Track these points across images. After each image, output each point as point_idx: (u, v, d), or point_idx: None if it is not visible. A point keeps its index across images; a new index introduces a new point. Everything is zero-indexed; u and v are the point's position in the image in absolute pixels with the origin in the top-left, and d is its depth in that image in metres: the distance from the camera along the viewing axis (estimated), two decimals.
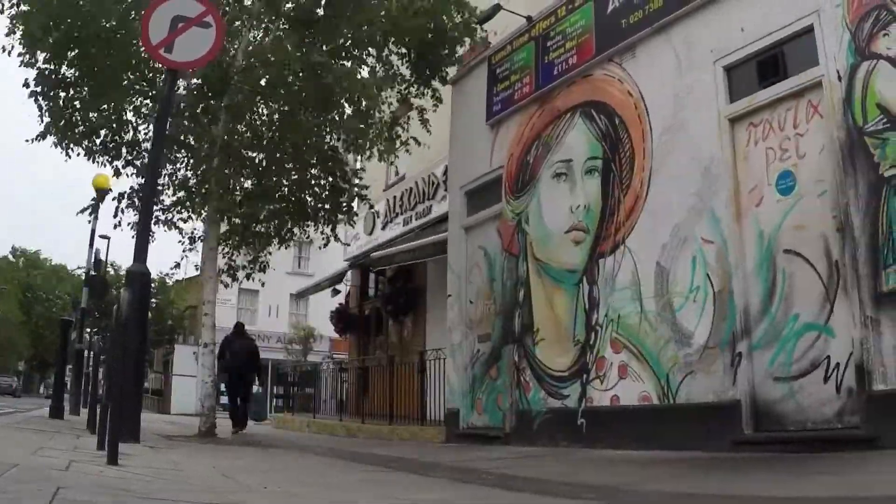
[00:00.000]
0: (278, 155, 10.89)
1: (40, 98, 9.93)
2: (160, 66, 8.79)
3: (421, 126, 10.93)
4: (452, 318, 9.94)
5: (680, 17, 7.04)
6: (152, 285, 24.41)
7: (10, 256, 56.89)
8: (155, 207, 10.22)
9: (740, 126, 6.32)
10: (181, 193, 11.01)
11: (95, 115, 10.17)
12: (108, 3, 9.31)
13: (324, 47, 9.92)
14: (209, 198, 10.22)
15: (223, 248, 11.32)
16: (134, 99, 10.43)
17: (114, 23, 9.41)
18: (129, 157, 10.79)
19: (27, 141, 10.31)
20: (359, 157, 12.27)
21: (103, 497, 3.05)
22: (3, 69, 9.87)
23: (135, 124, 10.68)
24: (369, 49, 10.45)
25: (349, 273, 18.73)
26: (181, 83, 9.98)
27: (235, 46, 10.15)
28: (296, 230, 11.74)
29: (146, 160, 10.57)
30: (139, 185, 10.86)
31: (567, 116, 8.38)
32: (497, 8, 10.00)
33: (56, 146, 10.24)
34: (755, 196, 6.10)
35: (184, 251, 11.62)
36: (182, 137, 10.63)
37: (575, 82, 8.36)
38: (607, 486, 4.46)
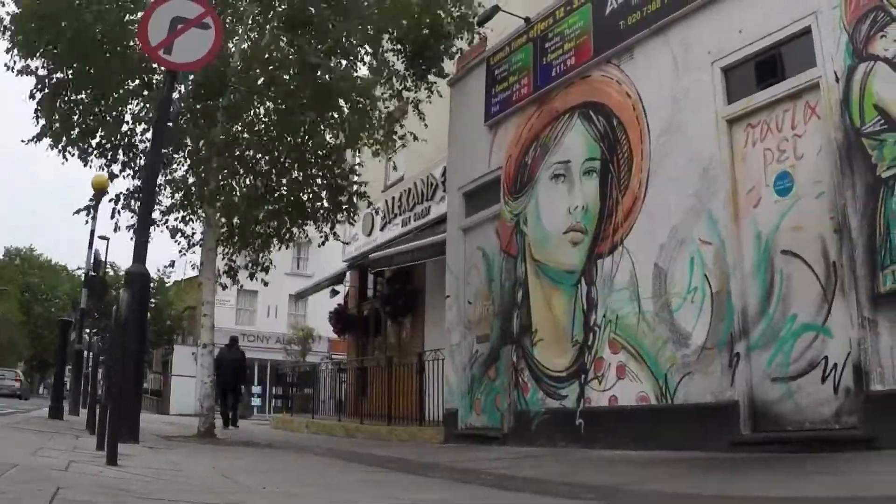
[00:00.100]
0: (277, 154, 10.90)
1: (37, 98, 9.93)
2: (159, 67, 8.80)
3: (418, 119, 10.92)
4: (451, 318, 9.95)
5: (678, 18, 7.05)
6: (151, 286, 24.37)
7: (5, 258, 56.71)
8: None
9: (738, 127, 6.33)
10: (179, 195, 11.01)
11: (92, 117, 10.17)
12: (106, 3, 9.32)
13: (319, 46, 9.93)
14: (208, 198, 10.21)
15: (223, 249, 11.32)
16: (132, 101, 10.42)
17: (110, 26, 9.41)
18: (126, 160, 10.77)
19: (23, 142, 10.32)
20: (357, 154, 12.26)
21: (103, 497, 3.06)
22: (3, 69, 9.86)
23: (132, 126, 10.68)
24: (365, 46, 10.45)
25: (348, 274, 18.75)
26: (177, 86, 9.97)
27: (232, 47, 10.15)
28: (295, 230, 11.74)
29: (143, 162, 10.58)
30: (136, 186, 10.86)
31: (565, 117, 8.40)
32: (495, 9, 10.01)
33: (52, 148, 10.23)
34: (753, 197, 6.11)
35: (181, 251, 11.61)
36: (180, 138, 10.64)
37: (573, 83, 8.38)
38: (607, 486, 4.47)
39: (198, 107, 10.35)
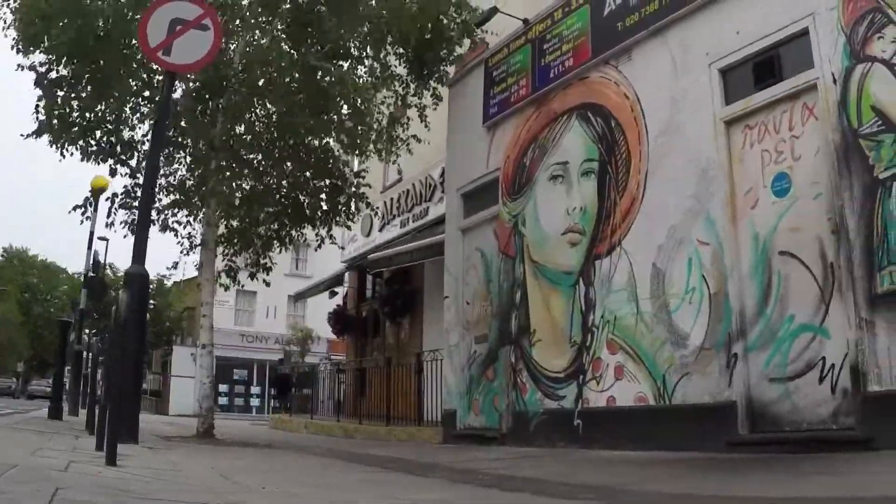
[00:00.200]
0: (277, 154, 10.90)
1: (39, 94, 9.95)
2: (158, 68, 8.81)
3: (420, 123, 10.93)
4: (449, 319, 9.96)
5: (676, 19, 7.06)
6: (151, 287, 24.37)
7: (4, 258, 56.68)
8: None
9: (736, 128, 6.35)
10: (177, 196, 11.01)
11: (92, 115, 10.17)
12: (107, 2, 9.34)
13: (321, 48, 9.94)
14: (207, 199, 10.22)
15: (223, 250, 11.33)
16: (131, 100, 10.42)
17: (111, 25, 9.42)
18: (124, 157, 10.76)
19: (22, 136, 10.29)
20: (358, 159, 12.27)
21: (102, 497, 3.06)
22: (3, 69, 9.83)
23: (131, 124, 10.68)
24: (367, 49, 10.46)
25: (346, 275, 18.76)
26: (179, 85, 9.99)
27: (232, 48, 10.16)
28: (293, 232, 11.75)
29: (142, 160, 10.59)
30: (132, 185, 10.87)
31: (563, 119, 8.41)
32: (494, 11, 10.03)
33: (52, 145, 10.23)
34: (751, 198, 6.12)
35: (181, 252, 11.62)
36: (180, 139, 10.64)
37: (571, 85, 8.39)
38: (606, 487, 4.47)
39: (198, 107, 10.35)
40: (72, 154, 10.41)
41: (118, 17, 9.36)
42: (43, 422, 10.07)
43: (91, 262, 16.86)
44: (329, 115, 10.44)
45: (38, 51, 9.63)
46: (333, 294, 19.62)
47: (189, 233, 11.43)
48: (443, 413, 9.96)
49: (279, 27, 10.04)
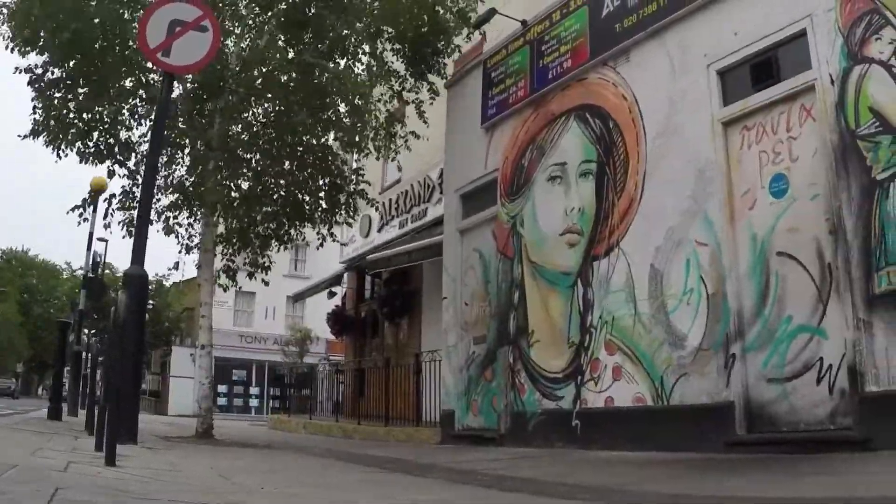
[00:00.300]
0: (275, 153, 10.91)
1: (34, 96, 9.94)
2: (156, 68, 8.82)
3: (418, 119, 10.93)
4: (448, 320, 9.97)
5: (674, 21, 7.08)
6: (150, 287, 24.37)
7: (3, 258, 56.60)
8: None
9: (734, 129, 6.36)
10: (175, 196, 11.01)
11: (89, 116, 10.16)
12: (106, 3, 9.34)
13: (318, 46, 9.93)
14: (206, 199, 10.22)
15: (222, 250, 11.33)
16: (129, 101, 10.42)
17: (108, 26, 9.42)
18: (122, 158, 10.75)
19: (19, 136, 10.28)
20: (357, 156, 12.27)
21: (102, 498, 3.08)
22: (3, 68, 9.85)
23: (129, 125, 10.67)
24: (363, 46, 10.46)
25: (345, 275, 18.77)
26: (177, 85, 9.99)
27: (230, 48, 10.16)
28: (293, 232, 11.76)
29: (140, 161, 10.58)
30: (130, 186, 10.87)
31: (562, 120, 8.42)
32: (492, 12, 10.04)
33: (48, 146, 10.22)
34: (748, 199, 6.14)
35: (180, 252, 11.62)
36: (178, 139, 10.64)
37: (569, 86, 8.41)
38: (605, 487, 4.48)
39: (195, 108, 10.35)
40: (67, 155, 10.40)
41: (115, 18, 9.36)
42: (42, 422, 10.08)
43: (90, 262, 16.86)
44: (327, 112, 10.44)
45: (34, 52, 9.62)
46: (332, 295, 19.62)
47: (190, 234, 11.43)
48: (441, 413, 9.97)
49: (273, 24, 10.04)
